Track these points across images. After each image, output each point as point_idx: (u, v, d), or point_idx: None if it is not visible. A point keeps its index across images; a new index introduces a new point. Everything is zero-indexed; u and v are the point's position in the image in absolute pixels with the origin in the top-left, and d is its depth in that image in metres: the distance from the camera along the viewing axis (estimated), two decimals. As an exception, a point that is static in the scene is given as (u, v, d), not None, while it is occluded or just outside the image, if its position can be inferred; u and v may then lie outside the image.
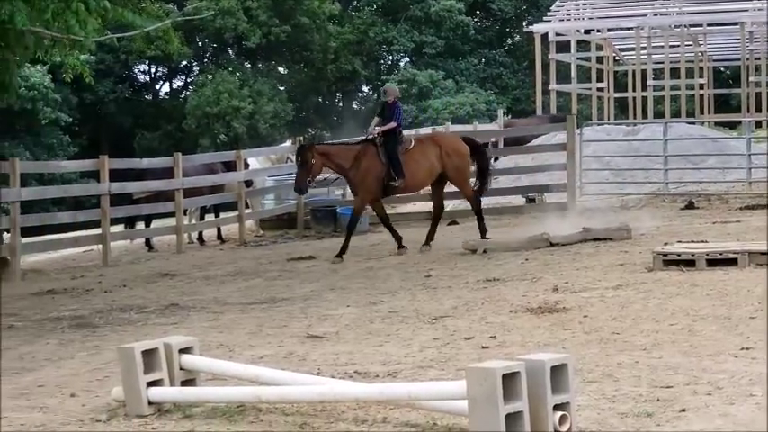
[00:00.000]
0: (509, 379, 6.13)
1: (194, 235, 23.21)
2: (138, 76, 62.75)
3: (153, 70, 63.08)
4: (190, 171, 22.29)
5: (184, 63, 61.71)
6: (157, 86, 64.44)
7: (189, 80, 63.38)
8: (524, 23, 59.42)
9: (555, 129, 26.83)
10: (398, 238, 18.22)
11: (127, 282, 16.66)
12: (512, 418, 6.10)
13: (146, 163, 23.16)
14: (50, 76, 47.87)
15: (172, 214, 22.26)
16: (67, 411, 7.86)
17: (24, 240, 18.61)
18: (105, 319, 12.77)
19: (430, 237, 18.47)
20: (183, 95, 61.55)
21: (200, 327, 11.67)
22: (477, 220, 18.91)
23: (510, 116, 45.13)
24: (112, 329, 11.97)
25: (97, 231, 20.46)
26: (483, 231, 18.51)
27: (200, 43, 60.34)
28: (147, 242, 22.37)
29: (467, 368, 6.36)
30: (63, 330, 12.11)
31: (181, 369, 7.77)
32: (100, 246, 20.08)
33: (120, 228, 22.60)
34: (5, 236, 18.88)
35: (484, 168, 19.44)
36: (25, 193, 19.17)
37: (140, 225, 23.01)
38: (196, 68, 62.89)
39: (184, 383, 7.77)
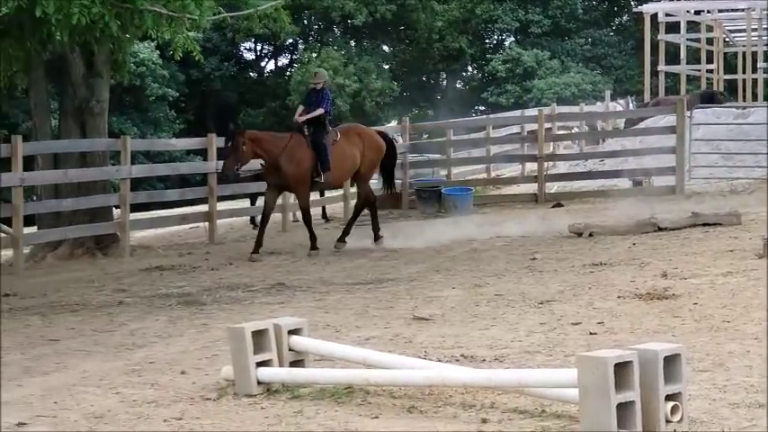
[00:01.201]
0: (621, 368, 6.07)
1: (299, 213, 23.32)
2: (244, 54, 63.20)
3: (259, 48, 63.50)
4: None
5: (290, 41, 61.98)
6: (263, 64, 64.85)
7: (294, 58, 63.66)
8: (633, 3, 58.66)
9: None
10: (314, 238, 17.42)
11: (233, 260, 16.82)
12: (623, 408, 6.05)
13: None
14: (158, 52, 48.40)
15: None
16: (178, 389, 7.97)
17: (133, 216, 18.87)
18: (213, 297, 12.91)
19: (346, 232, 17.97)
20: (287, 73, 61.86)
21: (307, 306, 11.74)
22: (371, 218, 18.18)
23: (634, 98, 44.61)
24: (220, 308, 12.10)
25: (204, 208, 20.68)
26: (376, 230, 18.00)
27: (305, 21, 60.53)
28: (253, 220, 22.56)
29: (578, 357, 6.31)
30: (172, 307, 12.27)
31: (290, 350, 7.84)
32: (206, 223, 20.31)
33: (226, 205, 22.81)
34: (116, 212, 19.16)
35: (391, 168, 18.83)
36: (135, 170, 19.46)
37: (244, 203, 23.21)
38: (301, 46, 63.15)
39: (293, 364, 7.83)
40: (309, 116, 17.36)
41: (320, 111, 17.35)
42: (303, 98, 18.06)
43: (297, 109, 18.11)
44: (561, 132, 32.58)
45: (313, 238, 17.40)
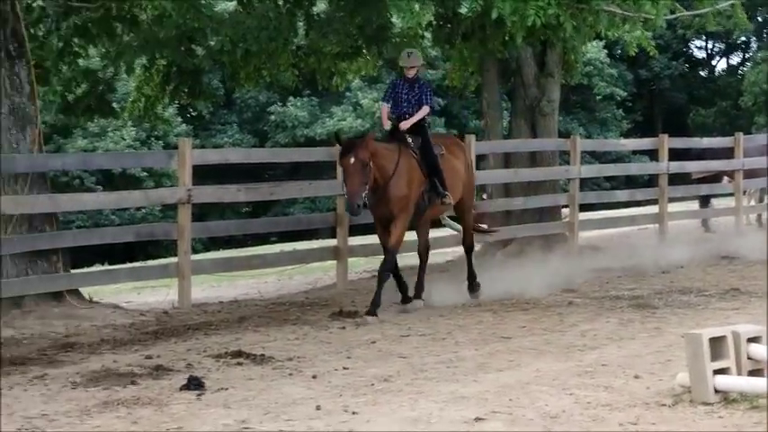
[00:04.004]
0: None
1: (752, 217, 22.59)
2: (695, 52, 61.99)
3: (710, 46, 62.08)
4: (751, 151, 21.71)
5: (743, 39, 60.19)
6: (713, 62, 63.36)
7: (747, 56, 61.80)
8: None
9: None
10: (404, 291, 13.01)
11: (684, 263, 16.43)
12: None
13: (705, 142, 22.84)
14: (606, 51, 48.41)
15: (730, 195, 21.81)
16: (631, 393, 7.87)
17: (581, 216, 18.88)
18: (664, 300, 12.70)
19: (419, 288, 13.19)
20: (740, 72, 60.12)
21: (764, 314, 11.27)
22: (467, 261, 13.87)
23: None
24: (672, 311, 11.87)
25: (654, 210, 20.38)
26: (472, 278, 13.73)
27: (759, 19, 58.58)
28: (704, 223, 22.07)
29: None
30: (622, 310, 12.16)
31: (748, 358, 7.55)
32: (656, 225, 20.01)
33: (677, 206, 22.40)
34: (564, 211, 19.25)
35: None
36: (584, 170, 19.48)
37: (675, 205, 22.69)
38: (754, 45, 61.18)
39: (751, 373, 7.54)
40: (414, 120, 12.84)
41: (426, 110, 12.93)
42: (388, 91, 13.18)
43: (381, 106, 13.35)
44: None
45: (377, 297, 12.33)
